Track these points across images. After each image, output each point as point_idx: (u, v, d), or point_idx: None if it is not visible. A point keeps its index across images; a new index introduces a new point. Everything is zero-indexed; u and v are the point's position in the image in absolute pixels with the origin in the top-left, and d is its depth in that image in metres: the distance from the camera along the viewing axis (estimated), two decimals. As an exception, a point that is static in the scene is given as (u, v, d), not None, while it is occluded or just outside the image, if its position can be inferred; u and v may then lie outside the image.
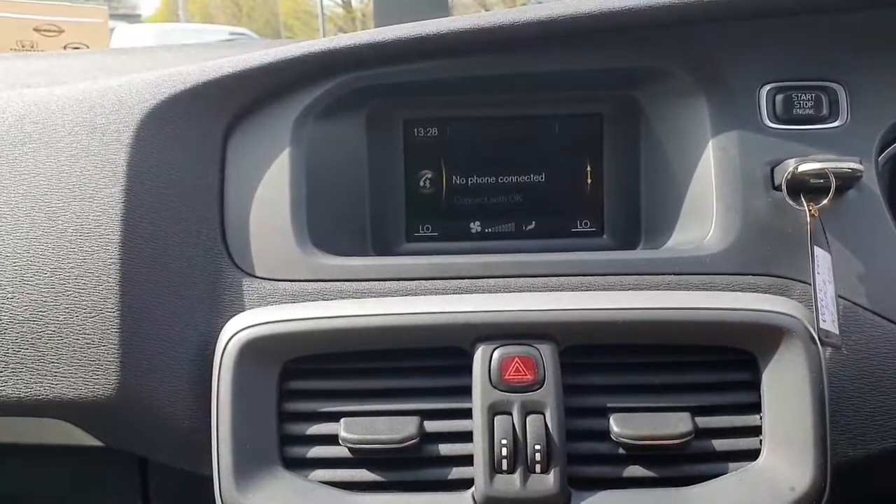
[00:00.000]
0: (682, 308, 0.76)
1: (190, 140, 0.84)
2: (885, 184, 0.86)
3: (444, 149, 0.93)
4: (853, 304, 0.80)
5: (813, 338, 0.74)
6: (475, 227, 0.94)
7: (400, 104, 0.91)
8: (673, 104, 0.88)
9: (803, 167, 0.79)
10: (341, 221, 0.89)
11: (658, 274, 0.81)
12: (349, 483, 0.75)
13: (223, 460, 0.74)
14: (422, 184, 0.93)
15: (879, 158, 0.85)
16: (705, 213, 0.84)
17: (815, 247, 0.77)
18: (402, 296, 0.81)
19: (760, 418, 0.75)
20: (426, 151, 0.93)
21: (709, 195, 0.84)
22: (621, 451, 0.74)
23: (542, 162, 0.93)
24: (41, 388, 0.75)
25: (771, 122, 0.85)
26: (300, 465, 0.76)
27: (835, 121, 0.85)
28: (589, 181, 0.93)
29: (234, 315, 0.79)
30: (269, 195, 0.84)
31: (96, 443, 0.78)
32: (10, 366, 0.76)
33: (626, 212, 0.92)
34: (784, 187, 0.80)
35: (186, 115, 0.84)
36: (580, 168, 0.93)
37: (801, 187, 0.80)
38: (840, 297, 0.79)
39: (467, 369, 0.75)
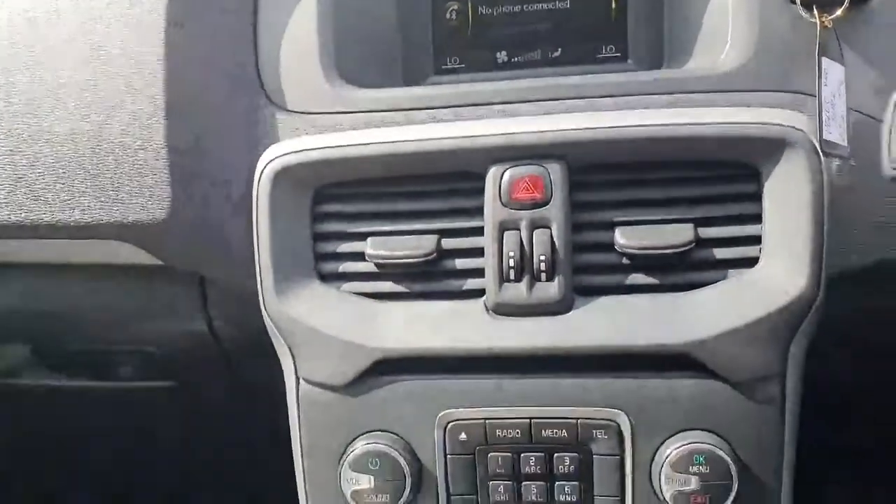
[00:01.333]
0: (686, 123, 0.78)
1: None
2: None
3: None
4: (867, 116, 0.80)
5: (815, 149, 0.75)
6: (501, 56, 0.96)
7: None
8: None
9: None
10: (371, 56, 0.93)
11: (674, 93, 0.83)
12: (376, 294, 0.83)
13: (265, 275, 0.83)
14: (448, 15, 0.96)
15: None
16: (723, 32, 0.84)
17: (822, 58, 0.77)
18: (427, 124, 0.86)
19: (761, 228, 0.78)
20: None
21: (725, 13, 0.84)
22: (625, 260, 0.80)
23: None
24: (102, 213, 0.85)
25: None
26: (333, 278, 0.84)
27: None
28: (613, 6, 0.93)
29: (268, 143, 0.86)
30: (299, 33, 0.89)
31: (155, 261, 0.88)
32: (75, 194, 0.85)
33: (650, 36, 0.92)
34: (799, 3, 0.79)
35: None
36: (605, -9, 0.93)
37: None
38: (853, 109, 0.79)
39: (482, 191, 0.81)
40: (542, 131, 0.80)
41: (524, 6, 0.95)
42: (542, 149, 0.79)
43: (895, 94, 0.79)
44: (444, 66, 0.97)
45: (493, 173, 0.80)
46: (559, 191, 0.79)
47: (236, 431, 1.24)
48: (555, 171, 0.79)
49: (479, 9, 0.95)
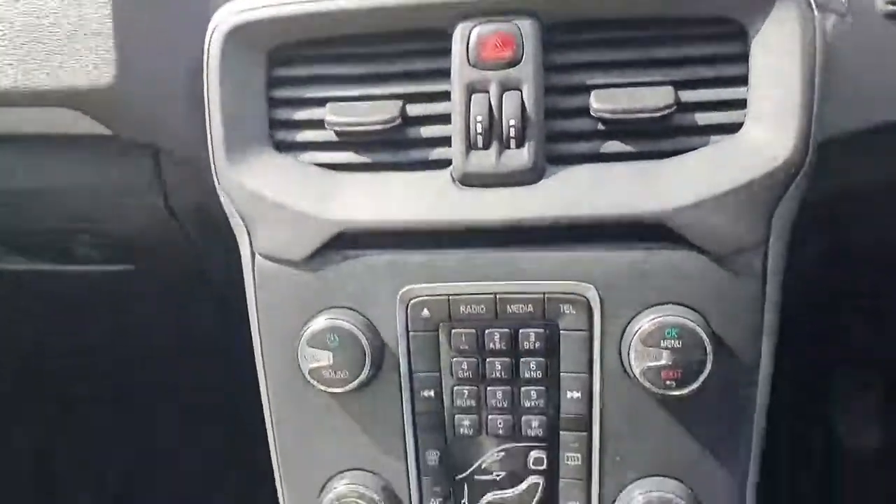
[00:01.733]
0: None
1: None
2: None
3: None
4: None
5: (808, 2, 0.69)
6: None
7: None
8: None
9: None
10: None
11: None
12: (336, 164, 0.78)
13: (217, 143, 0.78)
14: None
15: None
16: None
17: None
18: None
19: (746, 91, 0.72)
20: None
21: None
22: (600, 126, 0.74)
23: None
24: (49, 79, 0.80)
25: None
26: (290, 147, 0.79)
27: None
28: None
29: (223, 4, 0.80)
30: None
31: (106, 131, 0.83)
32: (21, 60, 0.80)
33: None
34: None
35: None
36: None
37: None
38: None
39: (449, 52, 0.75)
40: None
41: None
42: (512, 3, 0.73)
43: None
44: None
45: (460, 31, 0.74)
46: (531, 49, 0.73)
47: (195, 315, 1.21)
48: (526, 27, 0.73)
49: None
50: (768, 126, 0.71)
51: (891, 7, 0.51)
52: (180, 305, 1.17)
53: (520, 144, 0.73)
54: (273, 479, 0.86)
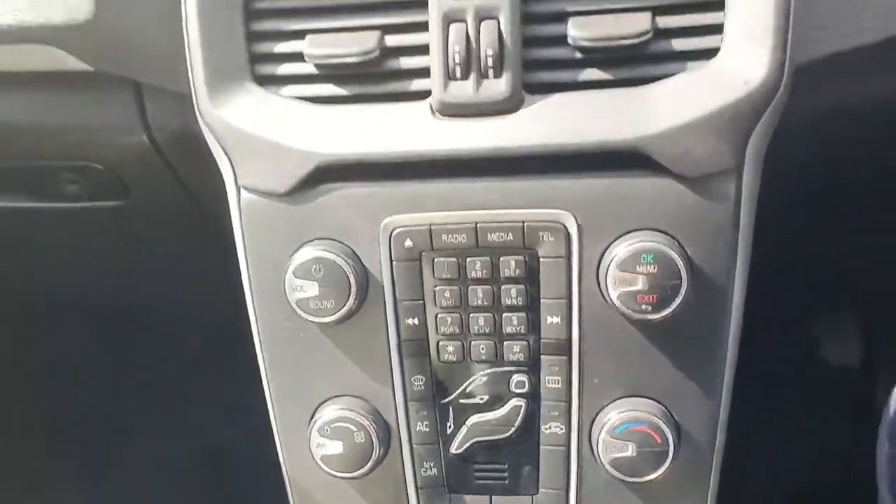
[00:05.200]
0: None
1: None
2: None
3: None
4: None
5: None
6: None
7: None
8: None
9: None
10: None
11: None
12: (316, 98, 0.79)
13: (197, 78, 0.78)
14: None
15: None
16: None
17: None
18: None
19: (723, 16, 0.72)
20: None
21: None
22: (578, 55, 0.74)
23: None
24: (26, 15, 0.80)
25: None
26: (271, 81, 0.79)
27: None
28: None
29: None
30: None
31: (87, 67, 0.83)
32: None
33: None
34: None
35: None
36: None
37: None
38: None
39: None
40: None
41: None
42: None
43: None
44: None
45: None
46: None
47: (188, 250, 1.23)
48: None
49: None
50: (742, 51, 0.71)
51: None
52: (173, 239, 1.19)
53: (497, 74, 0.74)
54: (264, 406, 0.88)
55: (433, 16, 0.74)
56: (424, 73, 0.76)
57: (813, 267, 1.17)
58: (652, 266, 0.73)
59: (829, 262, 1.16)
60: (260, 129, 0.78)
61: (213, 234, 0.94)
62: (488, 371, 0.81)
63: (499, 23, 0.73)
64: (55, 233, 1.19)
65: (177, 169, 0.96)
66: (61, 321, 1.62)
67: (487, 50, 0.73)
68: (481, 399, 0.82)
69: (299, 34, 0.78)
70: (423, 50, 0.76)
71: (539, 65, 0.75)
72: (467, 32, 0.74)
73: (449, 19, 0.74)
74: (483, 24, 0.73)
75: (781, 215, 0.86)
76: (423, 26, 0.75)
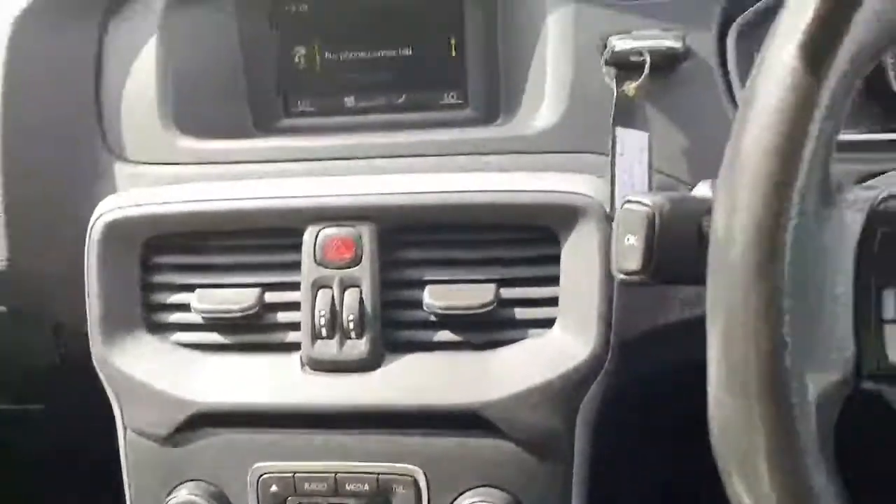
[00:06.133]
0: (488, 190, 0.81)
1: (68, 30, 0.91)
2: (735, 55, 0.84)
3: (317, 24, 0.95)
4: (675, 179, 0.82)
5: (606, 217, 0.78)
6: (350, 101, 0.98)
7: None
8: None
9: (620, 45, 0.80)
10: (218, 102, 0.95)
11: (495, 153, 0.85)
12: (201, 345, 0.87)
13: (93, 325, 0.86)
14: (296, 60, 0.97)
15: (730, 29, 0.83)
16: (543, 89, 0.86)
17: (617, 128, 0.79)
18: (257, 178, 0.88)
19: (559, 291, 0.81)
20: (299, 27, 0.96)
21: (545, 70, 0.86)
22: (433, 318, 0.83)
23: (410, 35, 0.94)
24: None
25: None
26: (162, 329, 0.88)
27: None
28: (453, 53, 0.95)
29: (108, 194, 0.89)
30: (139, 82, 0.91)
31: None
32: None
33: (488, 85, 0.94)
34: (604, 64, 0.81)
35: (60, 9, 0.90)
36: (445, 41, 0.94)
37: (625, 64, 0.81)
38: (660, 172, 0.81)
39: (301, 248, 0.84)
40: (353, 195, 0.82)
41: (369, 52, 0.96)
42: (353, 211, 0.82)
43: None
44: (293, 110, 0.99)
45: (309, 233, 0.83)
46: (369, 251, 0.82)
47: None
48: (366, 232, 0.82)
49: (326, 54, 0.97)
50: (573, 326, 0.79)
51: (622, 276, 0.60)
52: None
53: (359, 335, 0.82)
54: None
55: (304, 282, 0.83)
56: (296, 327, 0.84)
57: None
58: None
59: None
60: (146, 376, 0.85)
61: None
62: None
63: (361, 290, 0.82)
64: None
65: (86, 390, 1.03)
66: None
67: (349, 315, 0.81)
68: None
69: (190, 287, 0.87)
70: (297, 307, 0.84)
71: (399, 325, 0.83)
72: (333, 297, 0.82)
73: (318, 286, 0.82)
74: (347, 291, 0.82)
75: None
76: (297, 286, 0.84)
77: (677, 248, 0.59)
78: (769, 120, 0.44)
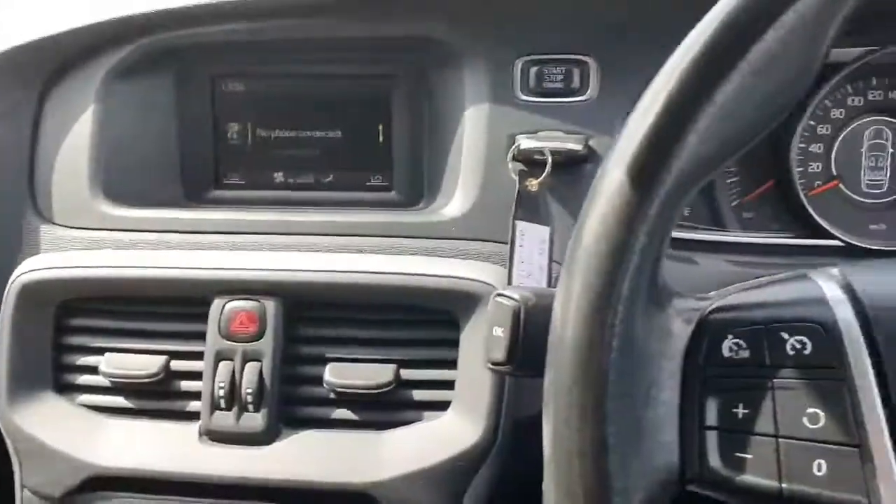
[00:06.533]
0: (392, 272, 0.83)
1: (8, 96, 0.94)
2: None
3: (250, 103, 1.00)
4: None
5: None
6: (279, 177, 1.01)
7: (207, 60, 0.98)
8: (445, 72, 0.92)
9: (525, 144, 0.84)
10: (151, 172, 0.98)
11: (413, 237, 0.88)
12: (105, 408, 0.88)
13: (1, 383, 0.87)
14: (230, 135, 1.01)
15: None
16: (457, 179, 0.90)
17: (516, 220, 0.82)
18: (181, 248, 0.91)
19: (456, 374, 0.83)
20: (233, 105, 1.00)
21: (460, 163, 0.89)
22: (332, 395, 0.84)
23: (340, 119, 0.99)
24: None
25: (524, 94, 0.88)
26: (68, 389, 0.89)
27: (584, 94, 0.87)
28: (381, 140, 0.99)
29: (32, 255, 0.91)
30: (73, 150, 0.94)
31: None
32: None
33: (412, 171, 0.97)
34: (510, 161, 0.85)
35: (2, 75, 0.94)
36: (373, 127, 0.98)
37: (530, 161, 0.85)
38: (559, 262, 0.84)
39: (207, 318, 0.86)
40: (260, 269, 0.85)
41: (299, 133, 1.00)
42: (259, 285, 0.84)
43: None
44: (224, 182, 1.02)
45: (215, 305, 0.85)
46: (272, 326, 0.84)
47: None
48: (270, 307, 0.84)
49: (258, 131, 1.01)
50: (465, 410, 0.81)
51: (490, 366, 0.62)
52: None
53: (256, 409, 0.83)
54: None
55: (207, 353, 0.85)
56: (198, 396, 0.85)
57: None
58: None
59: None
60: (47, 436, 0.86)
61: None
62: None
63: (262, 364, 0.83)
64: None
65: None
66: None
67: (247, 389, 0.83)
68: None
69: (100, 350, 0.88)
70: (199, 376, 0.86)
71: (298, 401, 0.85)
72: (234, 370, 0.83)
73: (220, 357, 0.84)
74: (248, 364, 0.83)
75: None
76: (201, 356, 0.85)
77: (542, 342, 0.61)
78: (598, 230, 0.47)
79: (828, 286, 0.51)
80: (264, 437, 0.83)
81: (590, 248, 0.47)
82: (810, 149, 0.94)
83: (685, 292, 0.53)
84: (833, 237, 0.90)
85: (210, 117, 1.00)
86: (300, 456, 0.82)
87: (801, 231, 0.93)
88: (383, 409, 0.84)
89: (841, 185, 0.95)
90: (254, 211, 0.94)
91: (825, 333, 0.48)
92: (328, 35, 0.93)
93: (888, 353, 0.47)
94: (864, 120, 0.94)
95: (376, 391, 0.82)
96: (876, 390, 0.47)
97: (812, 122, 0.93)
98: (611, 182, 0.47)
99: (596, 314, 0.46)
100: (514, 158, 0.85)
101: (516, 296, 0.62)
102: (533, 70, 0.88)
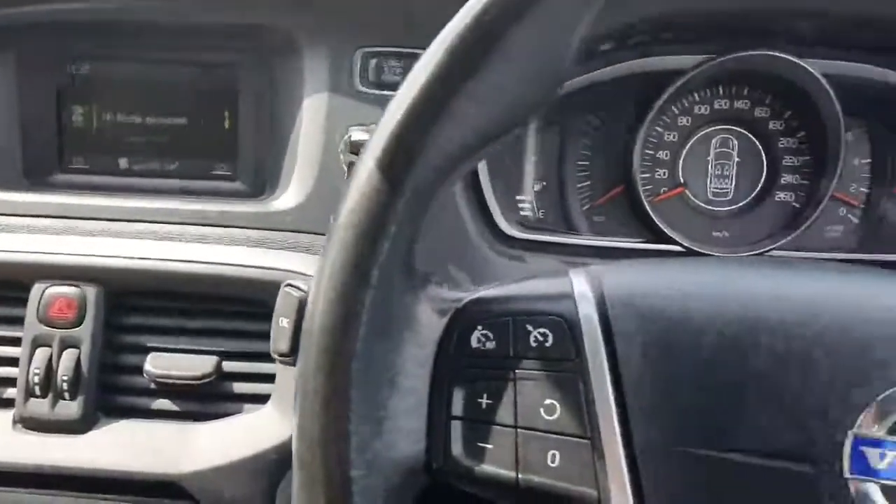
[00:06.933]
0: (213, 262, 0.82)
1: None
2: None
3: (96, 86, 0.97)
4: None
5: None
6: (123, 163, 1.00)
7: (51, 40, 0.96)
8: (287, 62, 0.92)
9: (356, 136, 0.84)
10: None
11: (252, 227, 0.88)
12: None
13: None
14: (74, 119, 0.99)
15: None
16: (295, 171, 0.89)
17: (340, 214, 0.82)
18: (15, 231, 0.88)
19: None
20: (78, 88, 0.98)
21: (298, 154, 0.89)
22: (152, 385, 0.83)
23: (187, 107, 0.97)
24: None
25: (363, 86, 0.88)
26: None
27: None
28: (227, 129, 0.98)
29: None
30: None
31: None
32: None
33: (257, 161, 0.97)
34: (342, 153, 0.85)
35: None
36: (220, 116, 0.97)
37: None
38: None
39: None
40: (81, 255, 0.83)
41: (145, 118, 0.98)
42: (79, 271, 0.83)
43: None
44: (69, 166, 1.00)
45: (35, 290, 0.83)
46: (92, 314, 0.82)
47: None
48: (91, 293, 0.82)
49: (104, 115, 0.98)
50: (282, 403, 0.81)
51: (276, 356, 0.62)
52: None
53: (73, 397, 0.82)
54: None
55: (25, 339, 0.83)
56: (13, 383, 0.83)
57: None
58: None
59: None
60: None
61: None
62: None
63: (80, 351, 0.82)
64: None
65: None
66: None
67: (63, 376, 0.81)
68: None
69: None
70: (17, 363, 0.83)
71: (116, 390, 0.84)
72: (51, 356, 0.82)
73: (37, 343, 0.82)
74: (66, 351, 0.82)
75: None
76: (18, 341, 0.83)
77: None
78: (349, 219, 0.47)
79: (578, 282, 0.52)
80: (80, 426, 0.82)
81: (340, 237, 0.47)
82: (657, 155, 0.96)
83: (443, 282, 0.54)
84: (676, 243, 0.92)
85: (54, 99, 0.98)
86: (114, 445, 0.81)
87: (647, 236, 0.95)
88: (203, 401, 0.83)
89: (686, 192, 0.97)
90: (95, 196, 0.92)
91: (567, 327, 0.50)
92: (174, 20, 0.91)
93: (624, 350, 0.48)
94: (711, 129, 0.96)
95: (196, 382, 0.81)
96: (610, 386, 0.48)
97: (660, 129, 0.96)
98: (363, 171, 0.47)
99: (342, 301, 0.47)
100: (347, 150, 0.85)
101: (304, 286, 0.62)
102: (373, 62, 0.88)
